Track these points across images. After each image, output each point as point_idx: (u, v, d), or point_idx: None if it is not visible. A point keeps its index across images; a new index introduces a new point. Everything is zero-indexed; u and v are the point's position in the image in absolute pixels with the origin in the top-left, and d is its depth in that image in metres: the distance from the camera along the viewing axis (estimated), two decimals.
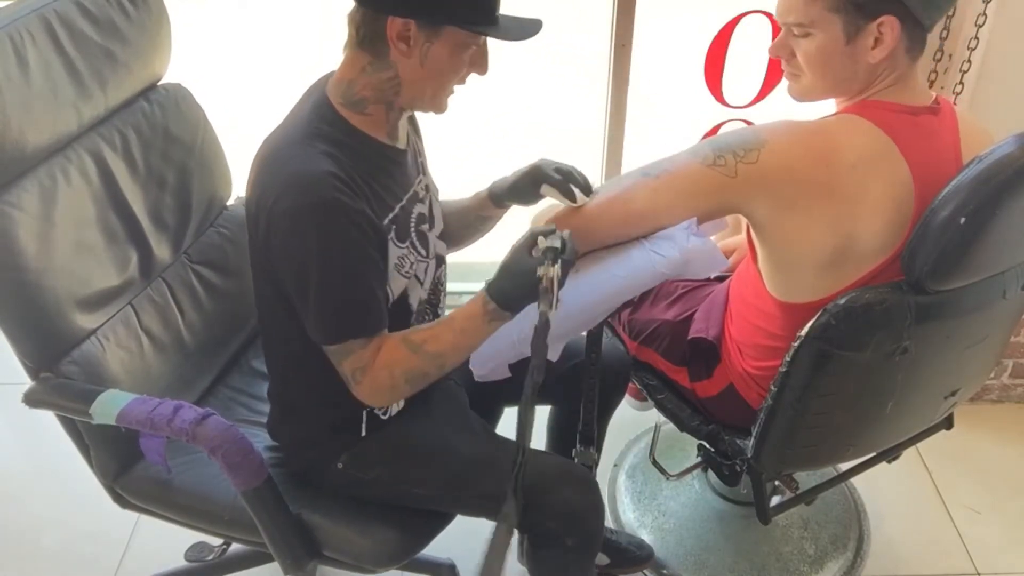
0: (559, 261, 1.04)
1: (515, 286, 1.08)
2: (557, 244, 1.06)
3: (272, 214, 1.06)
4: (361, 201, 1.08)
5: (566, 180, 1.23)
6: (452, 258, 1.39)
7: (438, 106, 1.14)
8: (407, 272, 1.18)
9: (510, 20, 1.09)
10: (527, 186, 1.28)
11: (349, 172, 1.07)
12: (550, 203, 1.30)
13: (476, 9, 1.05)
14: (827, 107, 1.21)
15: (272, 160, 1.10)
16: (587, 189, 1.24)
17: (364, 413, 1.26)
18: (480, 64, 1.12)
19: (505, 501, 1.01)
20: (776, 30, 1.20)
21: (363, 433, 1.26)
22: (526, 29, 1.10)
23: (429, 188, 1.27)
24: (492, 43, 1.13)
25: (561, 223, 1.22)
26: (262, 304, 1.23)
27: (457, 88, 1.14)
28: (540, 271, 1.03)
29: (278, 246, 1.08)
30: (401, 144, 1.19)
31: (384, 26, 1.04)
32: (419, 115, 1.27)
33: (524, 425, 1.00)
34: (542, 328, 1.00)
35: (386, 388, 1.14)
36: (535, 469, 1.29)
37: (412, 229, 1.20)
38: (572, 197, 1.23)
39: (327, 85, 1.13)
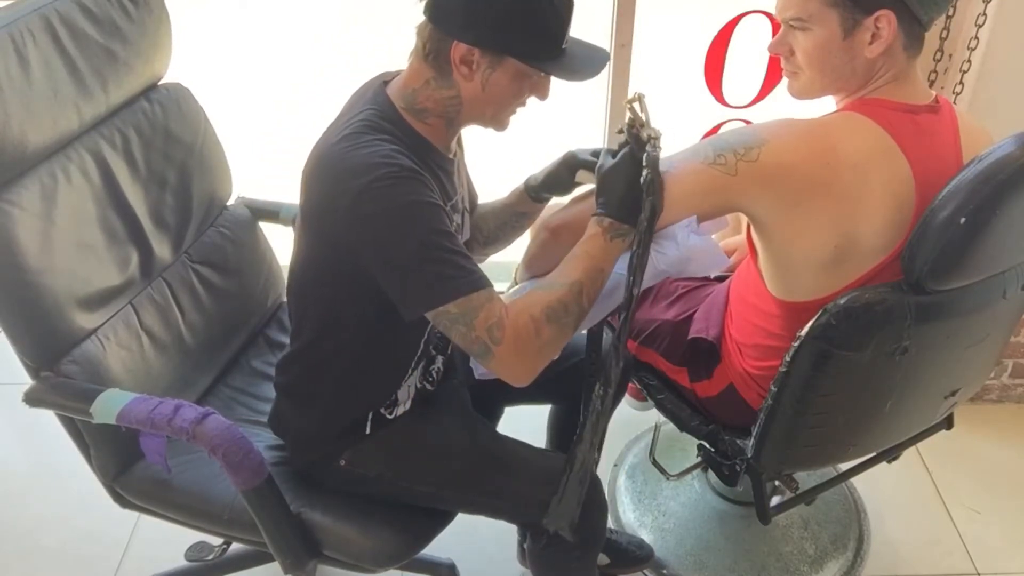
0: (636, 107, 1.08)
1: (619, 180, 1.08)
2: (630, 136, 1.08)
3: (352, 197, 1.02)
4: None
5: None
6: None
7: (499, 125, 1.15)
8: None
9: (577, 46, 1.09)
10: (562, 175, 1.25)
11: (412, 159, 1.07)
12: (557, 202, 1.30)
13: (541, 43, 1.06)
14: (827, 106, 1.22)
15: (334, 153, 1.07)
16: None
17: (371, 413, 1.26)
18: (541, 91, 1.12)
19: (607, 367, 1.09)
20: (776, 29, 1.20)
21: (367, 431, 1.27)
22: (590, 63, 1.09)
23: (463, 199, 1.27)
24: None
25: (565, 225, 1.22)
26: (311, 294, 1.21)
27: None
28: (628, 113, 1.05)
29: (368, 225, 1.04)
30: (451, 155, 1.20)
31: (449, 47, 1.05)
32: None
33: (636, 269, 1.07)
34: (653, 159, 1.06)
35: (531, 334, 1.05)
36: (537, 467, 1.30)
37: None
38: None
39: (388, 88, 1.13)
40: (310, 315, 1.23)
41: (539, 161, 1.31)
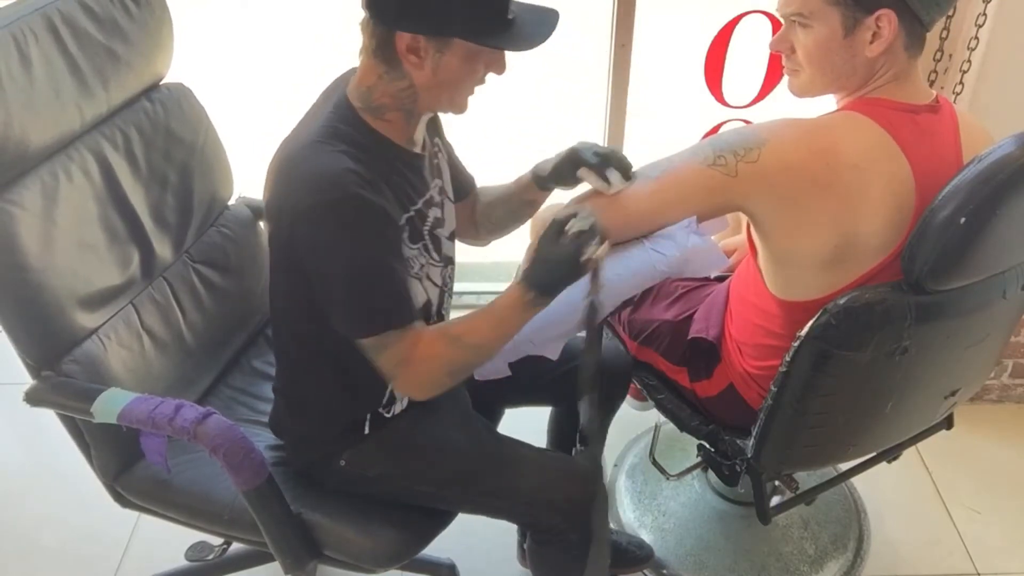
0: (599, 242, 1.08)
1: (556, 273, 1.09)
2: (587, 226, 1.07)
3: (297, 212, 1.05)
4: (381, 198, 1.08)
5: (604, 163, 1.20)
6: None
7: (458, 108, 1.14)
8: (416, 274, 1.18)
9: (524, 11, 1.06)
10: (566, 169, 1.25)
11: (368, 171, 1.07)
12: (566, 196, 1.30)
13: (485, 19, 1.03)
14: (828, 105, 1.22)
15: (293, 160, 1.09)
16: (626, 173, 1.20)
17: (368, 413, 1.26)
18: (497, 66, 1.10)
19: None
20: (776, 30, 1.21)
21: (366, 431, 1.27)
22: (540, 27, 1.06)
23: (442, 191, 1.27)
24: None
25: None
26: (278, 301, 1.22)
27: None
28: (587, 252, 1.06)
29: (305, 243, 1.07)
30: (418, 149, 1.19)
31: (393, 38, 1.04)
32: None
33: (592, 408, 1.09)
34: (591, 314, 1.06)
35: (427, 382, 1.14)
36: (538, 465, 1.30)
37: (426, 232, 1.20)
38: (607, 181, 1.19)
39: (347, 87, 1.13)
40: (285, 324, 1.24)
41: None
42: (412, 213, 1.16)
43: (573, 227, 1.08)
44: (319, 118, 1.11)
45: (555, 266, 1.09)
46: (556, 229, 1.10)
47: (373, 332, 1.09)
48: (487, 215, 1.38)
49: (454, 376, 1.15)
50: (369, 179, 1.06)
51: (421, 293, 1.19)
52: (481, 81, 1.11)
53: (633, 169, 1.21)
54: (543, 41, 1.06)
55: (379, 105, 1.10)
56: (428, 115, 1.16)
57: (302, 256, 1.09)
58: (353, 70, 1.15)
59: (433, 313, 1.24)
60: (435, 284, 1.23)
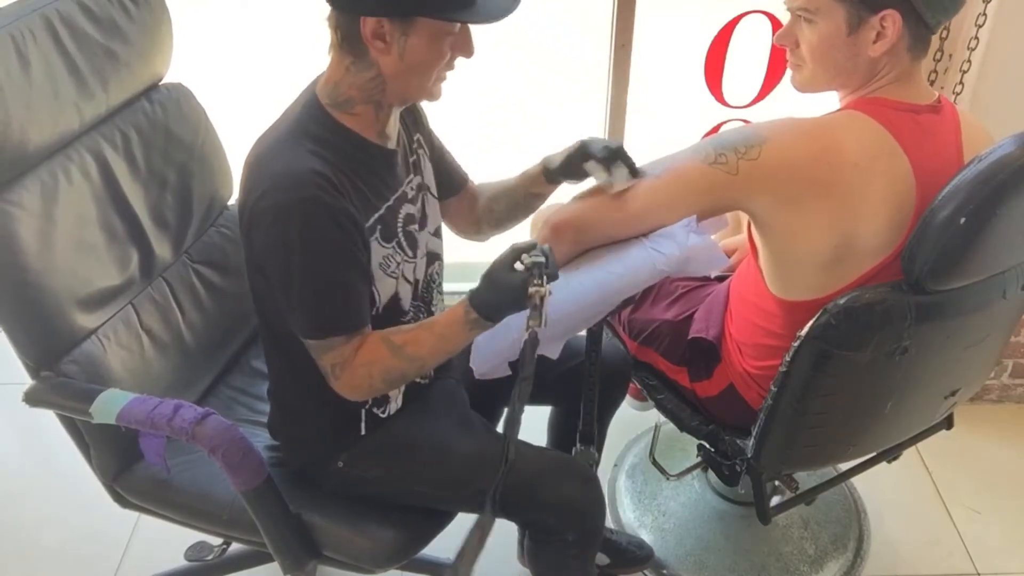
0: (547, 278, 1.05)
1: (501, 299, 1.07)
2: (542, 259, 1.05)
3: (255, 210, 1.06)
4: (345, 200, 1.07)
5: (612, 158, 1.20)
6: (450, 258, 1.39)
7: (429, 95, 1.13)
8: (393, 272, 1.19)
9: None
10: (575, 162, 1.25)
11: (335, 171, 1.07)
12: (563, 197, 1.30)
13: None
14: (828, 103, 1.22)
15: (260, 159, 1.10)
16: (633, 171, 1.20)
17: (363, 412, 1.26)
18: (464, 48, 1.10)
19: (484, 508, 1.06)
20: (775, 29, 1.21)
21: (363, 432, 1.27)
22: (504, 1, 1.06)
23: (421, 187, 1.27)
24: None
25: (567, 223, 1.22)
26: (258, 302, 1.23)
27: (453, 77, 1.13)
28: (532, 289, 1.03)
29: (260, 242, 1.08)
30: (391, 144, 1.18)
31: (358, 27, 1.03)
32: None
33: (512, 426, 1.04)
34: (531, 344, 1.03)
35: (363, 385, 1.14)
36: (535, 465, 1.30)
37: (399, 229, 1.20)
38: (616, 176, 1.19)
39: (317, 85, 1.13)
40: (266, 325, 1.24)
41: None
42: (383, 211, 1.16)
43: (527, 260, 1.05)
44: (289, 118, 1.12)
45: (501, 292, 1.07)
46: (512, 256, 1.07)
47: (320, 336, 1.11)
48: (490, 209, 1.38)
49: (389, 384, 1.16)
50: (335, 181, 1.06)
51: (391, 288, 1.19)
52: (450, 66, 1.11)
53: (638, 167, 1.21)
54: (508, 14, 1.05)
55: (347, 99, 1.10)
56: (399, 108, 1.16)
57: (258, 254, 1.10)
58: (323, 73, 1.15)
59: (407, 308, 1.24)
60: (408, 281, 1.23)
